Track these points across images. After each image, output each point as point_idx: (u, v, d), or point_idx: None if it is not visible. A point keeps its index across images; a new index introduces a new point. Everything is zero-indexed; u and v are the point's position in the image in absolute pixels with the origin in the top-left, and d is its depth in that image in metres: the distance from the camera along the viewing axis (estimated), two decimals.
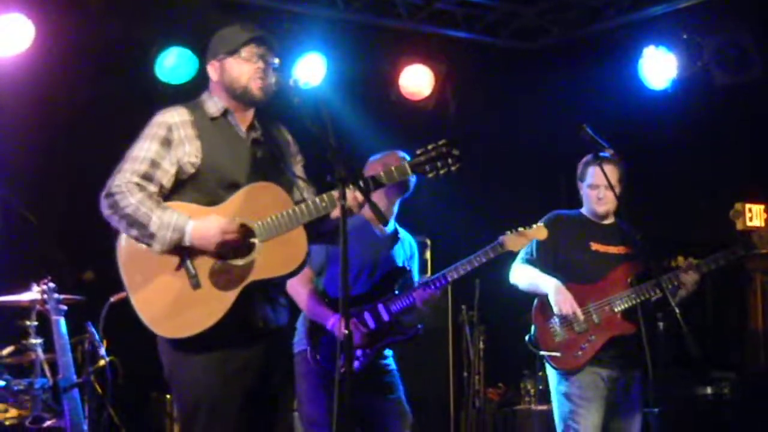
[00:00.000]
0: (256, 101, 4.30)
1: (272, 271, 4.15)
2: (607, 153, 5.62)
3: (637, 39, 8.32)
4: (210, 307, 4.05)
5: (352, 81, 8.44)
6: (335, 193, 4.08)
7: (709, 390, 7.67)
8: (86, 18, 7.40)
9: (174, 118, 4.21)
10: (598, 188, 5.81)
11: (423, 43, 8.87)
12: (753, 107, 7.99)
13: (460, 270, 5.49)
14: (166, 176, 4.15)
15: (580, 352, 5.68)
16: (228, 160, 4.23)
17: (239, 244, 4.06)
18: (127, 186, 4.08)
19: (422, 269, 6.34)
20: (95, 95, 7.45)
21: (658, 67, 8.19)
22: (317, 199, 4.15)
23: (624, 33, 8.46)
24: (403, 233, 5.76)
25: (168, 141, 4.16)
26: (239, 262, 4.09)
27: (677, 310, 5.09)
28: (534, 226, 5.57)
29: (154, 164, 4.13)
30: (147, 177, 4.11)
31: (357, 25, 8.51)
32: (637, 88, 8.31)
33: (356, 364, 5.35)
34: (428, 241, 8.03)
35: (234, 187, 4.16)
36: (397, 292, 5.49)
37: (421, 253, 7.60)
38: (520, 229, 5.55)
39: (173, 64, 7.91)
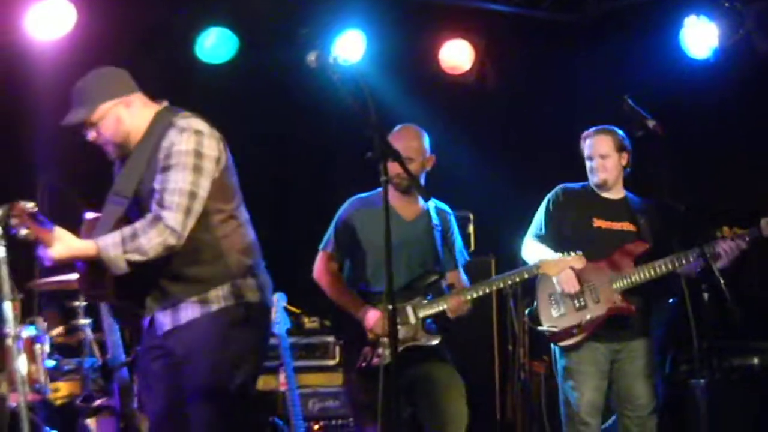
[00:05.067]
0: None
1: None
2: (649, 124, 5.59)
3: (678, 9, 8.23)
4: None
5: (392, 57, 8.42)
6: None
7: (756, 360, 7.62)
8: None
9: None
10: (593, 159, 5.88)
11: (462, 18, 8.83)
12: None
13: (493, 285, 5.53)
14: None
15: (578, 329, 5.70)
16: None
17: None
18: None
19: (465, 243, 6.31)
20: (136, 76, 7.48)
21: (700, 37, 8.12)
22: None
23: (665, 3, 8.38)
24: (436, 208, 5.69)
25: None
26: None
27: (722, 280, 5.07)
28: (572, 253, 5.58)
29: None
30: None
31: (396, 1, 8.49)
32: (679, 58, 8.24)
33: (363, 364, 5.33)
34: (471, 216, 8.01)
35: None
36: (429, 297, 5.46)
37: (465, 227, 7.60)
38: (559, 255, 5.58)
39: (213, 43, 7.94)
